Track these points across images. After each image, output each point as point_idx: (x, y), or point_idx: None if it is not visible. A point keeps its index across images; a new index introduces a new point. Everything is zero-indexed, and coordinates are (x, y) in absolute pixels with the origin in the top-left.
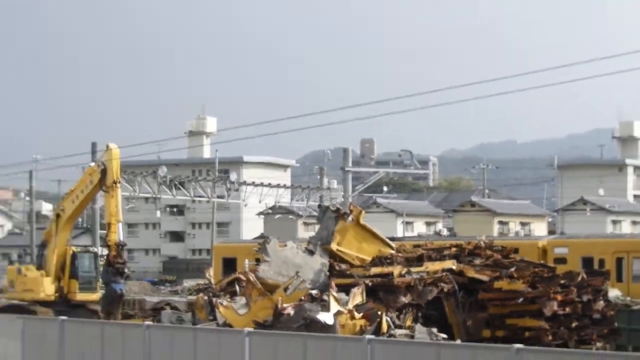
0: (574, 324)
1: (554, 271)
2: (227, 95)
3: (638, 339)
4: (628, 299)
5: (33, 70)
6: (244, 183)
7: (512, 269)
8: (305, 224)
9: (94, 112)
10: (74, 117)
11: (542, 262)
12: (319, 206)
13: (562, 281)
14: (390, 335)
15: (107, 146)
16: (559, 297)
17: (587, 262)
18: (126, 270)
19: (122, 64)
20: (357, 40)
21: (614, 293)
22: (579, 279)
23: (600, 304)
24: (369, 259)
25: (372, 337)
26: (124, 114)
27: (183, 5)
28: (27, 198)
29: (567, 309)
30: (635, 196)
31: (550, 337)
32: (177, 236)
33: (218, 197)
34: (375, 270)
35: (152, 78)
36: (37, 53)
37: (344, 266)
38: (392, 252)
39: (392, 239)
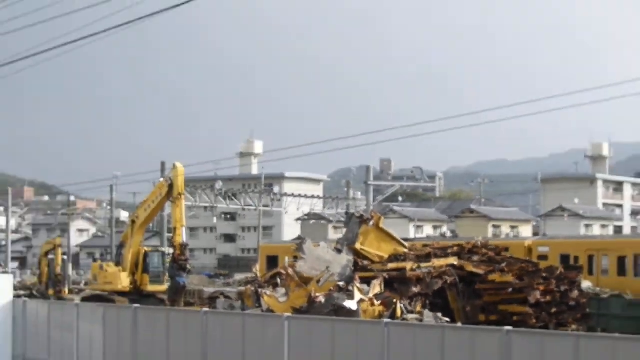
0: (553, 310)
1: (537, 266)
2: (273, 119)
3: (605, 323)
4: (598, 289)
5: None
6: (285, 194)
7: (503, 265)
8: (335, 227)
9: (163, 137)
10: (146, 139)
11: (527, 258)
12: (346, 213)
13: (544, 274)
14: (404, 319)
15: (174, 165)
16: (541, 288)
17: (565, 258)
18: (188, 266)
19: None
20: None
21: (586, 284)
22: (558, 272)
23: (575, 293)
24: (386, 256)
25: (389, 320)
26: (187, 138)
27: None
28: (109, 207)
29: (548, 297)
30: (604, 204)
31: (534, 321)
32: (230, 238)
33: (264, 206)
34: (391, 265)
35: (210, 107)
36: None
37: (365, 262)
38: (405, 250)
39: (405, 239)
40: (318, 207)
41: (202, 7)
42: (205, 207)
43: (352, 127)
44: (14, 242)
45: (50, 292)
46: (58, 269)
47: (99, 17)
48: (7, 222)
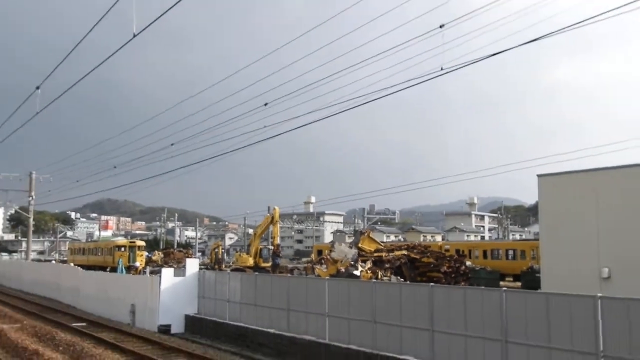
0: (453, 276)
1: (444, 255)
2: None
3: (477, 282)
4: (474, 265)
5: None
6: (325, 221)
7: (428, 254)
8: (348, 237)
9: (270, 190)
10: (261, 193)
11: (440, 251)
12: (354, 230)
13: (448, 258)
14: (382, 280)
15: (274, 208)
16: (447, 265)
17: (458, 251)
18: (280, 255)
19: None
20: None
21: (468, 263)
22: (454, 258)
23: (463, 267)
24: (373, 250)
25: (375, 280)
26: (282, 192)
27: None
28: (243, 228)
29: (450, 270)
30: (475, 226)
31: (444, 281)
32: (299, 241)
33: (315, 226)
34: (375, 254)
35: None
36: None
37: (363, 253)
38: (382, 247)
39: (382, 242)
40: (340, 227)
41: None
42: (288, 227)
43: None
44: (199, 244)
45: (216, 267)
46: (219, 256)
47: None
48: (195, 236)
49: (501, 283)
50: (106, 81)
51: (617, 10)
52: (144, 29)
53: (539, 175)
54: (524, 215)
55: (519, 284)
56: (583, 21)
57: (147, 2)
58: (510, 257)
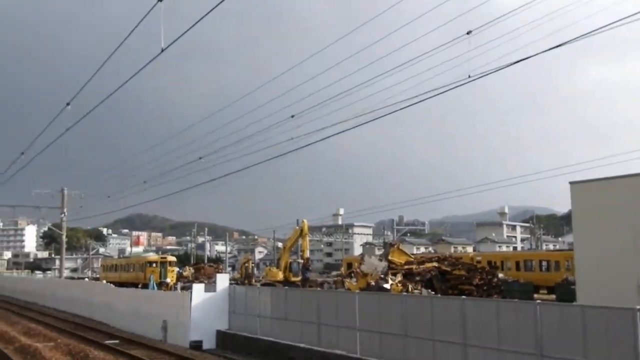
0: (484, 288)
1: (476, 267)
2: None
3: (510, 295)
4: (506, 277)
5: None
6: (355, 233)
7: (459, 266)
8: (378, 249)
9: (289, 201)
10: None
11: (471, 263)
12: (384, 242)
13: (479, 270)
14: (412, 293)
15: (302, 221)
16: (478, 277)
17: (489, 263)
18: (310, 268)
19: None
20: None
21: (500, 275)
22: (486, 270)
23: (495, 279)
24: (403, 262)
25: (405, 294)
26: (305, 203)
27: None
28: (272, 240)
29: (482, 282)
30: (507, 236)
31: (476, 294)
32: (329, 254)
33: (345, 238)
34: (405, 266)
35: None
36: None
37: (393, 265)
38: (412, 259)
39: (412, 254)
40: (369, 238)
41: None
42: (317, 240)
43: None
44: (229, 258)
45: (246, 282)
46: (249, 270)
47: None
48: (225, 251)
49: (535, 295)
50: (138, 96)
51: None
52: (171, 44)
53: (571, 183)
54: (557, 224)
55: (553, 296)
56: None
57: (176, 20)
58: (544, 268)
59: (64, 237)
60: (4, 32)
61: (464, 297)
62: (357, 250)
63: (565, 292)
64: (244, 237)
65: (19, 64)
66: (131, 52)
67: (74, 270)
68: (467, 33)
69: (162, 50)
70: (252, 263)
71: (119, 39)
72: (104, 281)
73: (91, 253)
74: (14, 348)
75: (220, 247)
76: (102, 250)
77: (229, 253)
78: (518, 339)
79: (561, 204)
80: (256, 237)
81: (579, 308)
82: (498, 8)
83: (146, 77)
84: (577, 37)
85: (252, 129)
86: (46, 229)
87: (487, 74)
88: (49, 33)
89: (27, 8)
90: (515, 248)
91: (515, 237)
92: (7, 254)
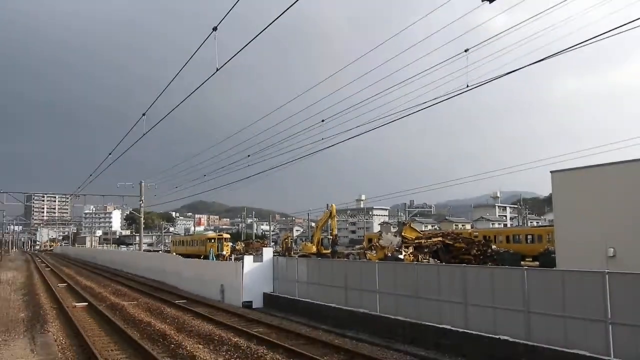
0: (481, 257)
1: (474, 240)
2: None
3: (502, 262)
4: (499, 249)
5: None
6: (374, 215)
7: (460, 239)
8: (393, 227)
9: (320, 188)
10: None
11: (470, 237)
12: (398, 222)
13: (477, 243)
14: (422, 262)
15: (331, 205)
16: (476, 248)
17: (485, 237)
18: (337, 243)
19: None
20: None
21: (494, 247)
22: (482, 242)
23: (490, 250)
24: (414, 237)
25: (416, 262)
26: (333, 190)
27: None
28: (307, 222)
29: (479, 252)
30: (498, 215)
31: (474, 262)
32: (352, 232)
33: (365, 219)
34: (416, 240)
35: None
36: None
37: (406, 240)
38: (421, 235)
39: (421, 231)
40: (386, 219)
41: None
42: (344, 221)
43: (397, 187)
44: (272, 235)
45: (286, 254)
46: (289, 245)
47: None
48: (269, 229)
49: (522, 263)
50: (199, 108)
51: None
52: (224, 64)
53: (552, 172)
54: (540, 205)
55: (537, 263)
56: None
57: (228, 45)
58: (529, 241)
59: (142, 219)
60: (83, 61)
61: (464, 264)
62: (376, 228)
63: (547, 260)
64: (284, 218)
65: (94, 86)
66: (184, 72)
67: (150, 244)
68: (465, 50)
69: (217, 70)
70: (291, 239)
71: (176, 60)
72: (174, 253)
73: (163, 232)
74: (105, 305)
75: (264, 227)
76: (171, 229)
77: (272, 231)
78: (509, 298)
79: (543, 189)
80: (294, 218)
81: (559, 272)
82: (491, 28)
83: (206, 94)
84: (554, 54)
85: (287, 133)
86: (128, 212)
87: (482, 84)
88: (119, 62)
89: (100, 39)
90: (505, 225)
91: (505, 216)
92: (99, 232)
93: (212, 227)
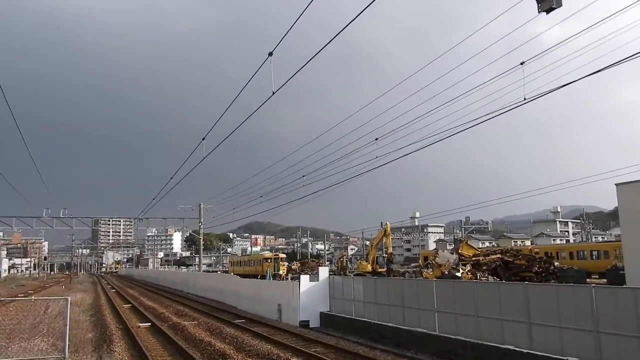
0: (543, 275)
1: (535, 257)
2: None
3: (565, 280)
4: (562, 265)
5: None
6: (429, 232)
7: (520, 256)
8: (449, 244)
9: (374, 206)
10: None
11: (530, 254)
12: (454, 239)
13: (538, 260)
14: (481, 280)
15: (386, 223)
16: (537, 265)
17: (547, 254)
18: (393, 261)
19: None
20: None
21: (556, 264)
22: (544, 259)
23: (552, 267)
24: (471, 254)
25: (475, 280)
26: (387, 208)
27: None
28: (361, 240)
29: (540, 270)
30: (560, 231)
31: (535, 280)
32: (407, 250)
33: (420, 237)
34: (473, 258)
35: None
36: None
37: (463, 257)
38: (478, 252)
39: (478, 248)
40: (441, 236)
41: None
42: (398, 238)
43: (452, 205)
44: (327, 254)
45: (341, 273)
46: (344, 264)
47: None
48: (324, 248)
49: (588, 280)
50: (252, 132)
51: None
52: (279, 88)
53: (617, 184)
54: (604, 219)
55: (604, 280)
56: None
57: (282, 71)
58: (595, 257)
59: (201, 240)
60: (156, 100)
61: (526, 282)
62: (431, 246)
63: (614, 276)
64: (338, 237)
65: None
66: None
67: (209, 265)
68: (521, 64)
69: (273, 93)
70: (346, 258)
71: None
72: (232, 274)
73: (221, 252)
74: (167, 325)
75: (319, 246)
76: (229, 250)
77: (326, 250)
78: (577, 317)
79: (606, 202)
80: (348, 237)
81: (630, 290)
82: (546, 41)
83: (260, 118)
84: (610, 65)
85: (344, 152)
86: (188, 234)
87: (539, 97)
88: (179, 96)
89: (163, 79)
90: (567, 241)
91: (567, 231)
92: (160, 254)
93: (267, 247)
